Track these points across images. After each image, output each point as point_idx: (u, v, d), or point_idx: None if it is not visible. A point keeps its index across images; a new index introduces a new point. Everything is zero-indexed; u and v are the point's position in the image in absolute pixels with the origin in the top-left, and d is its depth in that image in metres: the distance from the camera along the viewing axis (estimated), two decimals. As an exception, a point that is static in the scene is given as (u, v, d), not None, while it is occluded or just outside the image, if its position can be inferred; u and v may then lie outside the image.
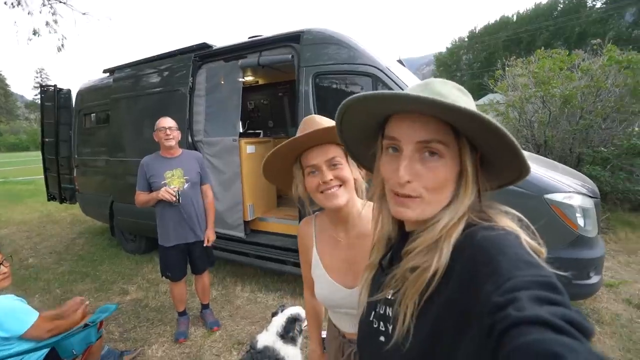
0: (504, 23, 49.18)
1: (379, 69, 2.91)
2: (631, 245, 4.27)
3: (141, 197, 2.57)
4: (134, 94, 4.33)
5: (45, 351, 1.80)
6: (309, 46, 3.14)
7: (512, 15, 49.17)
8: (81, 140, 5.26)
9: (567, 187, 2.50)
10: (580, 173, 3.32)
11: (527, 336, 0.32)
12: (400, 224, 0.66)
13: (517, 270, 0.40)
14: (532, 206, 2.39)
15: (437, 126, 0.52)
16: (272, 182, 1.10)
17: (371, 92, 0.51)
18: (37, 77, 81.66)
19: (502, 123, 6.67)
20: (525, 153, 0.51)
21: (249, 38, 3.69)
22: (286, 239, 3.60)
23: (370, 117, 0.59)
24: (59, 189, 5.78)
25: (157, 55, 4.23)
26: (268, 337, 1.88)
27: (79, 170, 5.30)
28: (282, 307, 2.08)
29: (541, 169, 2.65)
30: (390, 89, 2.82)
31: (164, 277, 2.77)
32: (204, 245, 2.75)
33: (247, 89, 5.41)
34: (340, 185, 0.95)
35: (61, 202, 5.91)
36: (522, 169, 0.52)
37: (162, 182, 2.54)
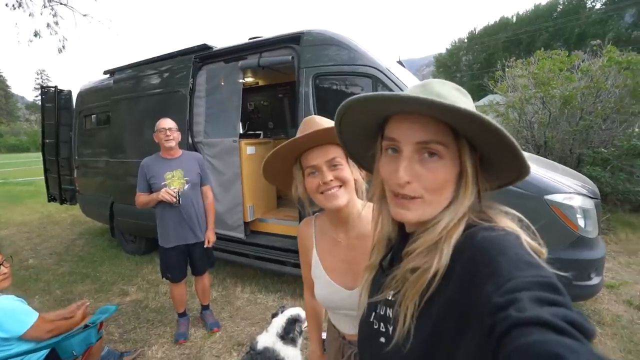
0: (503, 24, 49.24)
1: (379, 70, 2.92)
2: (632, 246, 4.27)
3: (141, 198, 2.57)
4: (134, 95, 4.33)
5: (45, 352, 1.80)
6: (309, 47, 3.14)
7: (512, 17, 49.27)
8: (82, 142, 5.27)
9: (567, 188, 2.50)
10: (580, 174, 3.32)
11: (528, 337, 0.32)
12: (400, 225, 0.66)
13: (518, 271, 0.40)
14: (533, 207, 2.39)
15: (437, 127, 0.52)
16: (272, 183, 1.10)
17: (370, 93, 0.51)
18: (37, 79, 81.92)
19: (502, 124, 6.67)
20: (526, 154, 0.51)
21: (249, 39, 3.69)
22: (286, 240, 3.59)
23: (370, 118, 0.59)
24: (60, 190, 5.79)
25: (158, 57, 4.23)
26: (268, 338, 1.88)
27: (79, 171, 5.30)
28: (282, 308, 2.08)
29: (541, 170, 2.65)
30: (391, 90, 2.82)
31: (164, 278, 2.76)
32: (205, 246, 2.75)
33: (247, 90, 5.42)
34: (341, 186, 0.94)
35: (61, 203, 5.92)
36: (522, 169, 0.52)
37: (162, 183, 2.54)
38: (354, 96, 0.53)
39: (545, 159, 4.18)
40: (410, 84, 3.01)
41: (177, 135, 2.66)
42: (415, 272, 0.53)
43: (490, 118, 0.46)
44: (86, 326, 1.99)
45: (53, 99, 5.59)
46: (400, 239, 0.65)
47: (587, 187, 2.70)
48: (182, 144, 3.15)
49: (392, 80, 2.88)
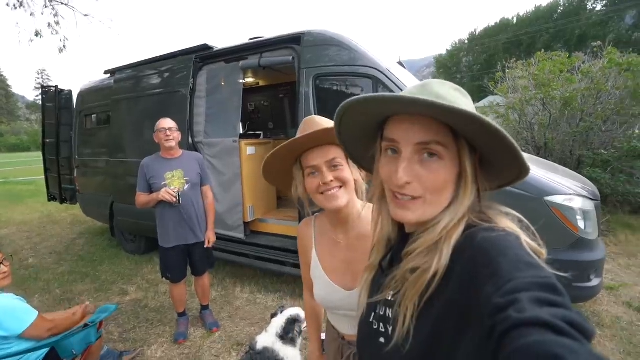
0: (504, 25, 49.24)
1: (379, 70, 2.92)
2: (631, 247, 4.27)
3: (141, 198, 2.57)
4: (134, 95, 4.34)
5: (45, 351, 1.80)
6: (310, 48, 3.14)
7: (513, 18, 49.26)
8: (82, 141, 5.27)
9: (567, 189, 2.50)
10: (580, 175, 3.32)
11: (528, 338, 0.32)
12: (400, 225, 0.66)
13: (518, 272, 0.40)
14: (533, 208, 2.39)
15: (436, 128, 0.52)
16: (272, 183, 1.10)
17: (370, 94, 0.51)
18: (38, 78, 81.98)
19: (502, 125, 6.67)
20: (526, 155, 0.51)
21: (250, 39, 3.70)
22: (286, 240, 3.60)
23: (370, 119, 0.59)
24: (60, 189, 5.79)
25: (158, 57, 4.24)
26: (267, 338, 1.89)
27: (79, 171, 5.31)
28: (282, 308, 2.08)
29: (541, 171, 2.65)
30: (391, 90, 2.82)
31: (164, 278, 2.76)
32: (205, 246, 2.75)
33: (248, 90, 5.42)
34: (341, 187, 0.94)
35: (62, 202, 5.92)
36: (522, 169, 0.52)
37: (162, 183, 2.54)
38: (354, 97, 0.53)
39: (545, 160, 4.18)
40: (410, 85, 3.01)
41: (177, 135, 2.66)
42: (415, 273, 0.53)
43: (489, 119, 0.46)
44: (86, 325, 1.99)
45: (54, 99, 5.59)
46: (400, 240, 0.65)
47: (587, 188, 2.70)
48: (183, 144, 3.16)
49: (392, 81, 2.88)
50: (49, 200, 6.26)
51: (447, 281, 0.49)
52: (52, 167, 5.90)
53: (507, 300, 0.37)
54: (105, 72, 4.98)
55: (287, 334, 1.90)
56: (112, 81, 4.66)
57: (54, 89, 5.63)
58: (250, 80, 5.37)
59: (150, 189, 2.58)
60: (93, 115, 5.19)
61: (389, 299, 0.61)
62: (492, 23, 52.17)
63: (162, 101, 4.00)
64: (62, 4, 7.79)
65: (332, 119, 0.68)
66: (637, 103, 5.32)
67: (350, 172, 0.95)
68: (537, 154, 5.86)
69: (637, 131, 5.63)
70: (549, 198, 2.41)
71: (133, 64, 4.52)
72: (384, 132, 0.58)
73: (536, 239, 0.49)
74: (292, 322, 1.96)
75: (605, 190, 4.94)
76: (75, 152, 5.34)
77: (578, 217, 2.40)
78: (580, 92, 5.61)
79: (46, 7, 7.70)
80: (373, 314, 0.65)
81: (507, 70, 7.40)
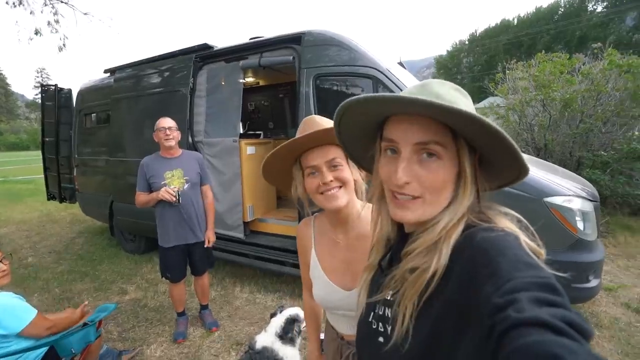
0: (504, 26, 49.28)
1: (379, 71, 2.92)
2: (630, 249, 4.27)
3: (141, 197, 2.57)
4: (134, 94, 4.33)
5: (44, 350, 1.80)
6: (310, 48, 3.14)
7: (513, 19, 49.30)
8: (81, 140, 5.27)
9: (567, 190, 2.50)
10: (580, 177, 3.32)
11: (527, 337, 0.32)
12: (399, 225, 0.66)
13: (517, 272, 0.40)
14: (532, 209, 2.39)
15: (435, 128, 0.52)
16: (272, 183, 1.10)
17: (369, 94, 0.51)
18: (37, 77, 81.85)
19: (502, 126, 6.68)
20: (525, 156, 0.51)
21: (250, 39, 3.70)
22: (285, 240, 3.60)
23: (369, 119, 0.59)
24: (59, 188, 5.78)
25: (158, 56, 4.23)
26: (267, 338, 1.89)
27: (79, 170, 5.30)
28: (281, 308, 2.08)
29: (541, 172, 2.65)
30: (391, 91, 2.82)
31: (163, 278, 2.76)
32: (205, 246, 2.75)
33: (248, 90, 5.42)
34: (341, 187, 0.94)
35: (61, 201, 5.92)
36: (521, 169, 0.52)
37: (162, 183, 2.53)
38: (353, 97, 0.54)
39: (545, 161, 4.18)
40: (410, 85, 3.01)
41: (176, 135, 2.66)
42: (414, 272, 0.53)
43: (487, 119, 0.46)
44: (85, 324, 1.99)
45: (53, 98, 5.58)
46: (399, 239, 0.65)
47: (586, 189, 2.71)
48: (182, 144, 3.16)
49: (392, 82, 2.88)
50: (48, 199, 6.25)
51: (447, 281, 0.49)
52: (52, 166, 5.90)
53: (506, 300, 0.37)
54: (105, 71, 4.97)
55: (287, 334, 1.90)
56: (112, 80, 4.66)
57: (53, 87, 5.63)
58: (250, 79, 5.37)
59: (150, 189, 2.58)
60: (93, 114, 5.19)
61: (388, 298, 0.61)
62: (492, 24, 52.24)
63: (162, 100, 4.00)
64: (61, 2, 7.80)
65: (332, 118, 0.68)
66: (637, 105, 5.33)
67: (350, 172, 0.95)
68: (537, 155, 5.86)
69: (636, 133, 5.63)
70: (549, 199, 2.41)
71: (133, 63, 4.52)
72: (384, 132, 0.58)
73: (535, 239, 0.49)
74: (292, 321, 1.96)
75: (604, 191, 4.94)
76: (75, 151, 5.34)
77: (577, 218, 2.40)
78: (580, 94, 5.62)
79: (46, 5, 7.71)
80: (372, 313, 0.65)
81: (507, 71, 7.41)
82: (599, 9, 39.97)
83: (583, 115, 5.60)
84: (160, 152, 2.66)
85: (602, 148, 5.52)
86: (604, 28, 36.98)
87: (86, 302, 2.23)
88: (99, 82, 5.09)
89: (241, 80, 3.83)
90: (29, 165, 21.40)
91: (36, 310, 1.81)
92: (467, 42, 54.35)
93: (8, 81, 74.43)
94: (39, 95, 6.44)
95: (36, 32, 7.89)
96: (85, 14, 8.37)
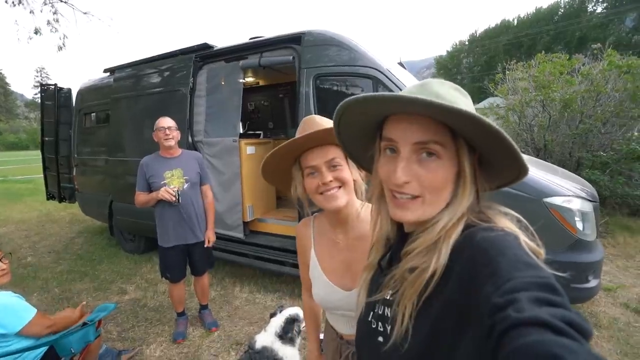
0: (504, 27, 49.32)
1: (379, 71, 2.92)
2: (629, 249, 4.28)
3: (141, 197, 2.57)
4: (134, 93, 4.33)
5: (43, 349, 1.80)
6: (310, 48, 3.14)
7: (513, 19, 49.34)
8: (81, 140, 5.26)
9: (566, 190, 2.50)
10: (579, 177, 3.33)
11: (527, 337, 0.32)
12: (399, 224, 0.66)
13: (517, 271, 0.40)
14: (531, 209, 2.40)
15: (435, 127, 0.52)
16: (271, 183, 1.09)
17: (368, 93, 0.51)
18: (37, 76, 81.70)
19: (502, 126, 6.68)
20: (525, 157, 0.51)
21: (250, 39, 3.70)
22: (285, 240, 3.59)
23: (369, 118, 0.59)
24: (59, 188, 5.78)
25: (158, 55, 4.23)
26: (266, 338, 1.89)
27: (78, 170, 5.30)
28: (281, 308, 2.08)
29: (540, 173, 2.66)
30: (391, 91, 2.82)
31: (163, 278, 2.76)
32: (205, 246, 2.74)
33: (248, 90, 5.41)
34: (340, 187, 0.94)
35: (60, 201, 5.91)
36: (521, 169, 0.52)
37: (162, 182, 2.53)
38: (352, 96, 0.54)
39: (544, 161, 4.19)
40: (410, 85, 3.01)
41: (176, 134, 2.65)
42: (413, 272, 0.53)
43: (486, 118, 0.46)
44: (84, 324, 1.99)
45: (53, 97, 5.58)
46: (399, 239, 0.65)
47: (586, 190, 2.71)
48: (182, 143, 3.15)
49: (392, 82, 2.88)
50: (48, 199, 6.25)
51: (446, 281, 0.49)
52: (51, 166, 5.89)
53: (506, 299, 0.37)
54: (105, 71, 4.97)
55: (286, 334, 1.90)
56: (112, 80, 4.65)
57: (53, 87, 5.63)
58: (250, 79, 5.37)
59: (150, 188, 2.57)
60: (92, 114, 5.19)
61: (388, 298, 0.61)
62: (492, 24, 52.32)
63: (162, 100, 3.99)
64: (61, 1, 7.79)
65: (331, 118, 0.68)
66: (636, 105, 5.33)
67: (350, 172, 0.95)
68: (537, 156, 5.87)
69: (635, 133, 5.63)
70: (548, 199, 2.41)
71: (133, 62, 4.51)
72: (383, 131, 0.58)
73: (535, 239, 0.49)
74: (291, 321, 1.96)
75: (603, 192, 4.95)
76: (74, 150, 5.34)
77: (576, 219, 2.40)
78: (579, 94, 5.63)
79: (45, 4, 7.69)
80: (372, 313, 0.65)
81: (507, 72, 7.42)
82: (599, 9, 40.06)
83: (582, 116, 5.61)
84: (159, 152, 2.66)
85: (602, 149, 5.53)
86: (604, 29, 37.03)
87: (84, 302, 2.23)
88: (98, 81, 5.09)
89: (241, 80, 3.83)
90: (28, 164, 21.38)
91: (36, 310, 1.81)
92: (467, 43, 54.39)
93: (7, 80, 74.39)
94: (39, 95, 6.44)
95: (36, 32, 7.88)
96: (85, 13, 8.36)
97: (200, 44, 3.86)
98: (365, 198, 0.99)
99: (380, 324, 0.62)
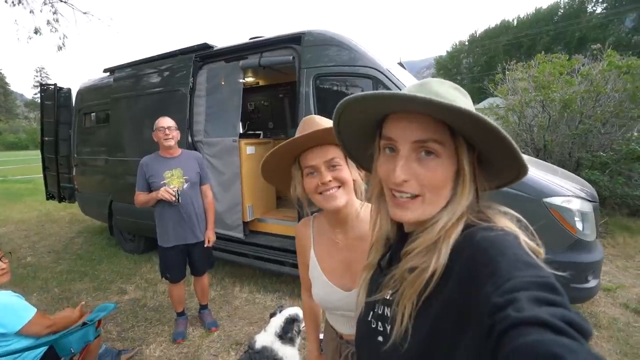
0: (504, 27, 49.37)
1: (379, 71, 2.92)
2: (629, 249, 4.28)
3: (141, 197, 2.57)
4: (134, 93, 4.33)
5: (43, 349, 1.80)
6: (310, 48, 3.14)
7: (513, 20, 49.40)
8: (81, 140, 5.26)
9: (566, 190, 2.51)
10: (579, 177, 3.33)
11: (527, 337, 0.32)
12: (398, 224, 0.66)
13: (517, 271, 0.40)
14: (531, 209, 2.40)
15: (434, 126, 0.52)
16: (271, 183, 1.09)
17: (367, 92, 0.51)
18: (37, 76, 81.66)
19: (501, 127, 6.68)
20: (525, 157, 0.51)
21: (250, 39, 3.70)
22: (285, 240, 3.59)
23: (368, 117, 0.59)
24: (58, 188, 5.78)
25: (158, 55, 4.23)
26: (266, 338, 1.89)
27: (78, 170, 5.30)
28: (281, 308, 2.08)
29: (540, 173, 2.66)
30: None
31: (163, 278, 2.76)
32: (205, 246, 2.74)
33: (248, 90, 5.42)
34: (339, 187, 0.94)
35: (60, 201, 5.91)
36: (521, 168, 0.52)
37: (162, 182, 2.53)
38: (352, 95, 0.54)
39: (544, 162, 4.19)
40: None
41: (176, 134, 2.65)
42: (413, 272, 0.53)
43: (485, 116, 0.46)
44: (84, 324, 1.99)
45: (52, 97, 5.58)
46: (398, 239, 0.65)
47: (585, 190, 2.71)
48: (182, 143, 3.15)
49: (392, 82, 2.88)
50: (48, 199, 6.25)
51: (446, 280, 0.49)
52: (51, 166, 5.89)
53: (506, 299, 0.37)
54: (105, 71, 4.97)
55: (286, 334, 1.90)
56: (112, 79, 4.65)
57: (52, 86, 5.63)
58: (250, 79, 5.37)
59: (150, 188, 2.57)
60: (92, 114, 5.18)
61: (388, 298, 0.61)
62: (492, 25, 52.34)
63: (162, 100, 3.99)
64: (61, 1, 7.78)
65: (331, 118, 0.68)
66: (636, 106, 5.33)
67: (349, 172, 0.95)
68: (536, 156, 5.87)
69: (635, 134, 5.63)
70: (548, 199, 2.42)
71: (133, 62, 4.51)
72: (383, 130, 0.58)
73: (535, 238, 0.49)
74: (291, 321, 1.96)
75: (603, 192, 4.95)
76: (74, 150, 5.33)
77: (576, 219, 2.40)
78: (579, 95, 5.63)
79: (45, 4, 7.69)
80: (371, 312, 0.65)
81: (507, 72, 7.42)
82: (599, 10, 40.11)
83: (582, 116, 5.61)
84: (159, 152, 2.65)
85: (601, 149, 5.53)
86: (604, 29, 37.08)
87: (83, 302, 2.23)
88: (98, 81, 5.09)
89: (241, 80, 3.83)
90: (28, 164, 21.38)
91: (35, 309, 1.81)
92: (466, 43, 54.44)
93: (7, 80, 74.33)
94: (38, 95, 6.44)
95: (35, 31, 7.88)
96: (85, 13, 8.36)
97: (200, 44, 3.86)
98: (365, 198, 0.99)
99: (380, 323, 0.62)
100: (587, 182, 3.15)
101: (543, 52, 7.24)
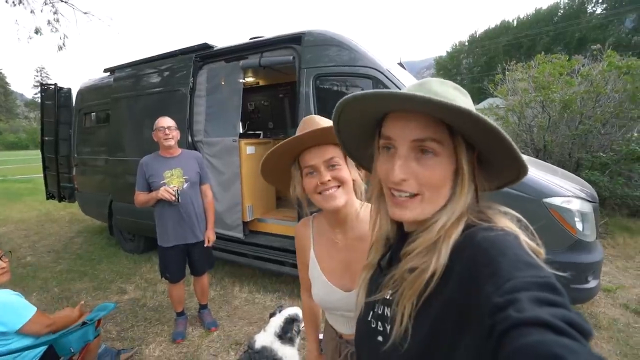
0: (504, 28, 49.41)
1: (379, 71, 2.92)
2: (629, 250, 4.28)
3: (140, 197, 2.57)
4: (134, 93, 4.33)
5: (43, 348, 1.80)
6: (310, 48, 3.14)
7: (513, 20, 49.44)
8: (81, 139, 5.27)
9: (566, 191, 2.50)
10: (579, 178, 3.33)
11: (528, 337, 0.32)
12: (398, 224, 0.66)
13: (517, 271, 0.40)
14: (531, 210, 2.39)
15: (433, 125, 0.52)
16: (270, 182, 1.09)
17: (367, 91, 0.51)
18: (37, 76, 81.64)
19: (501, 127, 6.68)
20: (525, 157, 0.51)
21: (250, 39, 3.70)
22: (285, 240, 3.59)
23: (367, 116, 0.59)
24: (58, 187, 5.78)
25: (158, 55, 4.23)
26: (266, 338, 1.88)
27: (78, 169, 5.30)
28: (280, 308, 2.08)
29: (540, 173, 2.66)
30: (391, 91, 2.82)
31: (162, 278, 2.76)
32: (205, 245, 2.74)
33: (248, 90, 5.42)
34: (339, 186, 0.94)
35: (60, 200, 5.92)
36: (520, 168, 0.52)
37: (162, 182, 2.53)
38: (351, 94, 0.54)
39: (544, 162, 4.19)
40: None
41: (176, 134, 2.65)
42: (413, 272, 0.53)
43: (483, 115, 0.46)
44: (84, 323, 1.99)
45: (53, 97, 5.58)
46: (398, 239, 0.65)
47: (585, 190, 2.71)
48: (182, 143, 3.15)
49: (392, 82, 2.88)
50: (47, 199, 6.25)
51: (446, 281, 0.49)
52: (51, 165, 5.90)
53: (506, 299, 0.37)
54: (105, 71, 4.97)
55: (286, 334, 1.90)
56: (112, 79, 4.65)
57: (53, 86, 5.63)
58: (250, 79, 5.37)
59: (149, 188, 2.57)
60: (92, 114, 5.19)
61: (387, 298, 0.61)
62: (492, 25, 52.39)
63: (162, 100, 3.99)
64: (61, 1, 7.79)
65: (331, 118, 0.68)
66: (636, 106, 5.33)
67: (349, 172, 0.95)
68: (536, 156, 5.87)
69: (635, 134, 5.63)
70: (548, 200, 2.41)
71: (133, 62, 4.51)
72: (382, 129, 0.58)
73: (535, 238, 0.49)
74: (291, 321, 1.96)
75: (603, 192, 4.95)
76: (74, 150, 5.34)
77: (576, 219, 2.40)
78: (579, 95, 5.63)
79: (46, 4, 7.69)
80: (371, 312, 0.65)
81: (506, 73, 7.42)
82: (598, 10, 40.15)
83: (582, 117, 5.61)
84: (159, 152, 2.65)
85: (601, 149, 5.53)
86: (603, 30, 37.11)
87: (83, 302, 2.23)
88: (98, 81, 5.09)
89: (241, 80, 3.84)
90: (28, 164, 21.38)
91: (35, 308, 1.81)
92: (466, 43, 54.48)
93: (7, 80, 74.30)
94: (39, 95, 6.44)
95: (36, 31, 7.88)
96: (85, 13, 8.37)
97: (200, 44, 3.86)
98: (365, 198, 0.99)
99: (379, 323, 0.62)
100: (587, 183, 3.15)
101: (543, 53, 7.24)
